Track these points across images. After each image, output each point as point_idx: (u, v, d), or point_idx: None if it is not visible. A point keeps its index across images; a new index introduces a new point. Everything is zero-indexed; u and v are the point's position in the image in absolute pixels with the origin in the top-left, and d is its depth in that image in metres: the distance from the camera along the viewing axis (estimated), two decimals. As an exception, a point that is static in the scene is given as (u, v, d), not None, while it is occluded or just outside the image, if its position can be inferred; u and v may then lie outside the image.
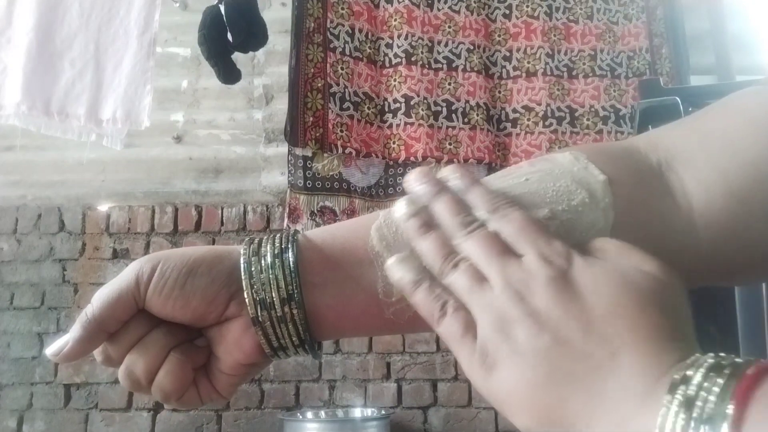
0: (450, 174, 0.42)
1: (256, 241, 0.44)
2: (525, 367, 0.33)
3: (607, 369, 0.31)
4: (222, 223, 2.48)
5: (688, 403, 0.28)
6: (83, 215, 2.52)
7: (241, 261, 0.43)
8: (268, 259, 0.42)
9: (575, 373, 0.32)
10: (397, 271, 0.39)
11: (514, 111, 2.11)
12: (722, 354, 0.30)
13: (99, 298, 0.42)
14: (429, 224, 0.40)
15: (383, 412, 2.24)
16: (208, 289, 0.42)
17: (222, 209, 2.49)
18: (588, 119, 2.11)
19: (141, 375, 0.42)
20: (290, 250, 0.42)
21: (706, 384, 0.28)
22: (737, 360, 0.29)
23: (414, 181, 0.42)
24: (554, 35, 2.15)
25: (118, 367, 0.43)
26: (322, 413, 2.27)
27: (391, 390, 2.35)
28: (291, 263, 0.42)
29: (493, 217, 0.39)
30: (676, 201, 0.42)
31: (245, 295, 0.42)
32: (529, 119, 2.10)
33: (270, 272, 0.42)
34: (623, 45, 2.17)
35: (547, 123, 2.09)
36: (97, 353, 0.44)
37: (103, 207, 2.53)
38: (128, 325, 0.43)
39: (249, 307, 0.42)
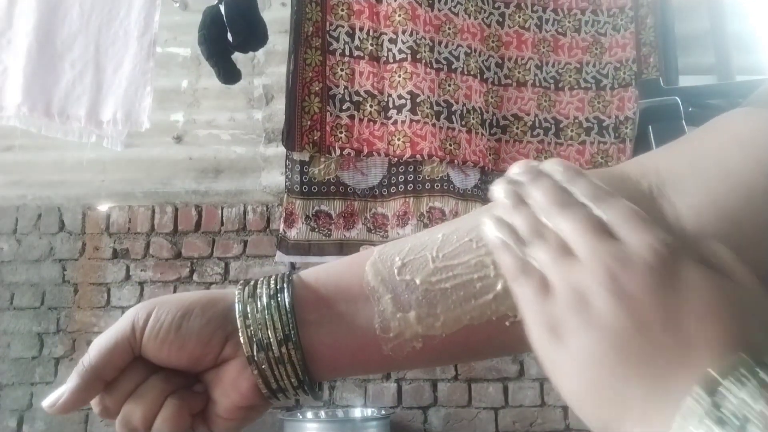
0: (553, 167, 0.40)
1: (251, 283, 0.44)
2: (595, 342, 0.32)
3: (680, 366, 0.30)
4: (222, 223, 2.48)
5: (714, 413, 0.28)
6: (83, 215, 2.52)
7: (236, 301, 0.43)
8: (264, 300, 0.42)
9: (647, 361, 0.31)
10: (490, 228, 0.38)
11: (504, 118, 2.13)
12: None
13: (95, 347, 0.43)
14: (522, 200, 0.38)
15: (383, 412, 2.24)
16: (203, 331, 0.42)
17: (222, 209, 2.49)
18: (572, 130, 2.14)
19: (138, 423, 0.42)
20: (285, 291, 0.42)
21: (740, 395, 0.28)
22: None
23: (515, 170, 0.41)
24: (543, 47, 2.17)
25: (115, 418, 0.43)
26: (322, 413, 2.27)
27: (391, 390, 2.35)
28: (287, 303, 0.42)
29: (595, 204, 0.36)
30: (670, 226, 0.42)
31: (240, 335, 0.42)
32: (517, 128, 2.11)
33: (266, 313, 0.42)
34: (610, 56, 2.18)
35: (534, 133, 2.11)
36: (94, 404, 0.44)
37: (103, 207, 2.53)
38: (125, 373, 0.43)
39: (244, 346, 0.42)
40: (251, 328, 0.42)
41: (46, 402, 0.43)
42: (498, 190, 0.40)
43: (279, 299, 0.42)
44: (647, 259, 0.32)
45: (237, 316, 0.42)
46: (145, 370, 0.43)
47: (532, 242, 0.36)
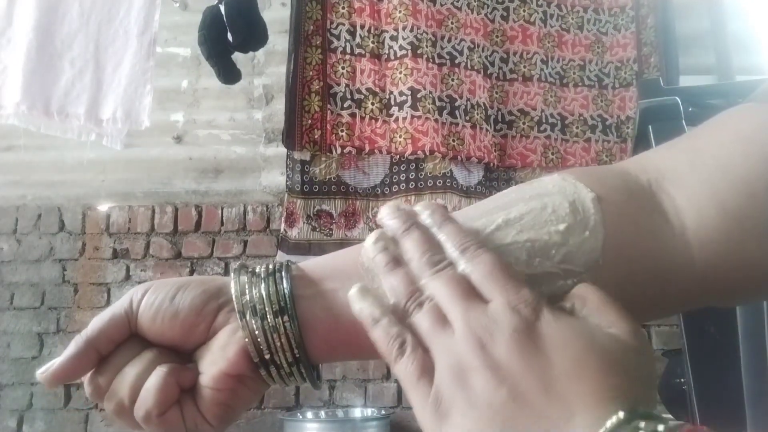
0: (422, 210, 0.42)
1: (249, 267, 0.45)
2: (478, 420, 0.32)
3: None
4: (222, 223, 2.48)
5: None
6: (83, 215, 2.52)
7: (231, 275, 0.43)
8: (261, 276, 0.43)
9: None
10: (357, 302, 0.39)
11: (510, 113, 2.12)
12: (662, 417, 0.29)
13: (94, 320, 0.43)
14: (397, 260, 0.40)
15: (383, 412, 2.24)
16: (196, 299, 0.42)
17: (222, 209, 2.49)
18: (577, 127, 2.13)
19: (125, 392, 0.41)
20: (283, 271, 0.43)
21: None
22: (669, 425, 0.28)
23: (385, 215, 0.42)
24: (548, 42, 2.16)
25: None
26: (322, 413, 2.27)
27: (391, 390, 2.35)
28: (284, 280, 0.42)
29: (462, 258, 0.38)
30: (668, 219, 0.42)
31: (232, 291, 0.42)
32: (524, 123, 2.10)
33: (262, 285, 0.42)
34: (611, 56, 2.18)
35: (541, 128, 2.10)
36: (86, 384, 0.43)
37: (103, 207, 2.53)
38: (119, 350, 0.43)
39: (235, 302, 0.42)
40: (246, 296, 0.42)
41: (40, 370, 0.43)
42: (370, 246, 0.41)
43: (276, 276, 0.43)
44: (510, 322, 0.33)
45: (232, 285, 0.43)
46: (139, 349, 0.43)
47: (409, 312, 0.37)
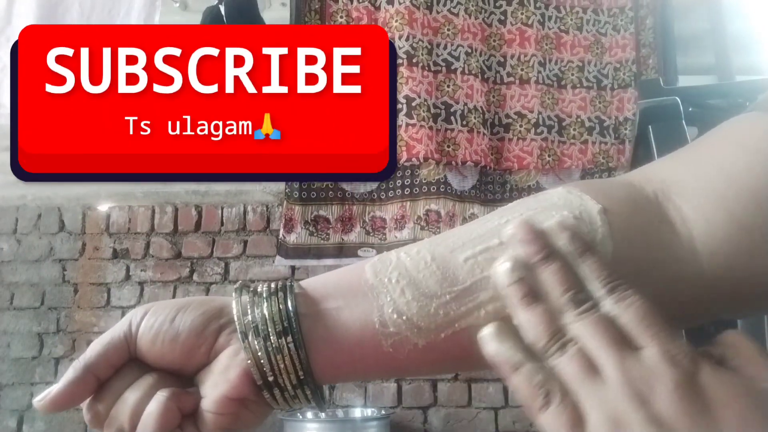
0: (559, 233, 0.39)
1: (250, 286, 0.44)
2: None
3: None
4: (222, 223, 2.48)
5: None
6: (83, 215, 2.52)
7: (234, 292, 0.42)
8: (263, 295, 0.42)
9: None
10: (491, 344, 0.36)
11: (507, 116, 2.13)
12: None
13: (92, 344, 0.42)
14: (534, 294, 0.37)
15: (383, 412, 2.24)
16: (196, 321, 0.41)
17: (222, 209, 2.49)
18: (575, 129, 2.14)
19: (126, 419, 0.40)
20: (287, 289, 0.42)
21: None
22: None
23: (519, 236, 0.39)
24: (546, 44, 2.17)
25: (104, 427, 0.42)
26: (322, 413, 2.27)
27: (391, 390, 2.35)
28: (287, 300, 0.41)
29: (609, 298, 0.35)
30: (676, 229, 0.41)
31: (233, 310, 0.41)
32: (521, 125, 2.11)
33: (265, 305, 0.41)
34: (610, 56, 2.18)
35: (538, 131, 2.11)
36: (85, 411, 0.42)
37: (103, 207, 2.53)
38: (119, 375, 0.42)
39: (237, 323, 0.41)
40: (248, 317, 0.41)
41: (38, 398, 0.42)
42: (504, 273, 0.38)
43: (279, 296, 0.41)
44: (672, 374, 0.32)
45: (233, 305, 0.42)
46: (139, 373, 0.42)
47: (550, 355, 0.35)
